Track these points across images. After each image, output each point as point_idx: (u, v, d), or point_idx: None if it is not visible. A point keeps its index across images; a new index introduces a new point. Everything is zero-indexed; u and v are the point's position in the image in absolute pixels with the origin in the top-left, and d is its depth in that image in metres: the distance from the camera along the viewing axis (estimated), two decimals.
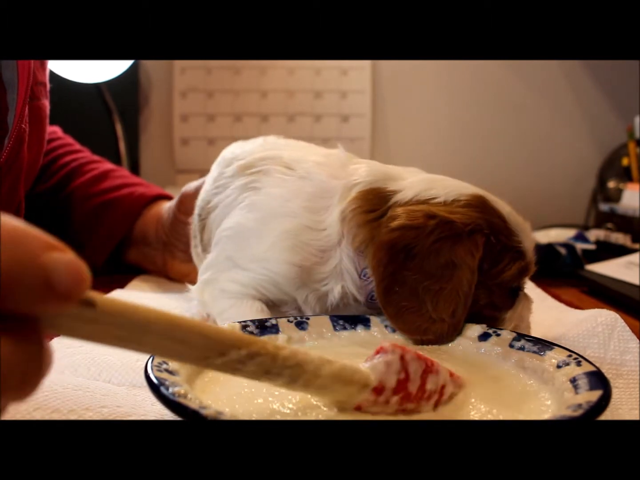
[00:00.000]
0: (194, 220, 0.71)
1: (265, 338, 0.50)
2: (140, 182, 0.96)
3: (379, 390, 0.38)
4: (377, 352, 0.39)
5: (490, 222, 0.53)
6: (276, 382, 0.35)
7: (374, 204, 0.55)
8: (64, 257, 0.23)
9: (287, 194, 0.58)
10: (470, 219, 0.52)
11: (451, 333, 0.51)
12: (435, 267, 0.51)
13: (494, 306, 0.54)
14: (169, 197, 0.93)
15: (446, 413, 0.40)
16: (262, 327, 0.51)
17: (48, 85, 0.79)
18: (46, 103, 0.77)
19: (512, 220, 0.55)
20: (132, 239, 0.91)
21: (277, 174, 0.60)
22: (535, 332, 0.54)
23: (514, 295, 0.55)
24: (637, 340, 0.52)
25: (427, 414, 0.40)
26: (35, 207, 0.79)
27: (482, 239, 0.52)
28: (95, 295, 0.27)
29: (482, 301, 0.53)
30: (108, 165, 0.97)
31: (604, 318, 0.55)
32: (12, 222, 0.23)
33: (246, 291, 0.58)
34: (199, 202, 0.70)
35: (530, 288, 0.78)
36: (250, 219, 0.59)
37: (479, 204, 0.54)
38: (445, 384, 0.41)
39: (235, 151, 0.68)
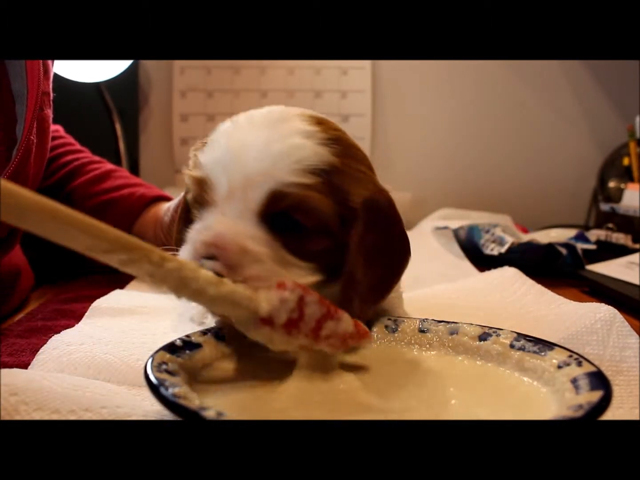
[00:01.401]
0: None
1: None
2: (140, 182, 0.96)
3: (266, 321, 0.39)
4: (278, 286, 0.40)
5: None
6: (162, 287, 0.37)
7: None
8: None
9: None
10: None
11: None
12: None
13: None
14: (168, 199, 0.93)
15: (447, 414, 0.40)
16: None
17: (51, 95, 0.79)
18: (49, 113, 0.77)
19: (214, 133, 0.53)
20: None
21: None
22: (534, 330, 0.54)
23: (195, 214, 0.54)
24: (637, 336, 0.52)
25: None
26: None
27: None
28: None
29: None
30: (109, 166, 0.97)
31: (603, 314, 0.55)
32: None
33: None
34: None
35: (529, 285, 0.78)
36: None
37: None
38: (346, 333, 0.42)
39: None
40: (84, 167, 0.95)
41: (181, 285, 0.37)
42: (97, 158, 0.99)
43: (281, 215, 0.47)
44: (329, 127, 0.50)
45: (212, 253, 0.46)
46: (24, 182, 0.71)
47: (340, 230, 0.49)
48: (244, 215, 0.47)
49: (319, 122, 0.50)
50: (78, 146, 1.00)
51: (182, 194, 0.83)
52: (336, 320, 0.42)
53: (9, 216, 0.32)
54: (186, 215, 0.56)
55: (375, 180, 0.52)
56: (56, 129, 0.99)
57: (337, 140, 0.49)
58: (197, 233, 0.48)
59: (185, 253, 0.48)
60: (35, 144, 0.71)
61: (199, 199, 0.51)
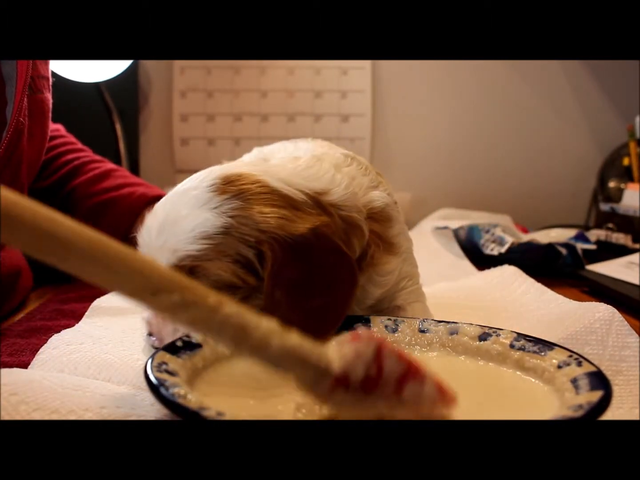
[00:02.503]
0: None
1: None
2: (141, 182, 0.96)
3: (341, 381, 0.33)
4: (353, 339, 0.34)
5: None
6: (217, 340, 0.32)
7: None
8: None
9: None
10: None
11: None
12: None
13: None
14: None
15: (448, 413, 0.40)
16: None
17: (51, 79, 0.79)
18: (48, 96, 0.77)
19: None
20: (130, 239, 0.91)
21: None
22: (534, 330, 0.54)
23: None
24: (636, 335, 0.52)
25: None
26: None
27: None
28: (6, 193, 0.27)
29: None
30: (109, 165, 0.97)
31: (602, 313, 0.55)
32: None
33: None
34: None
35: (529, 284, 0.78)
36: None
37: None
38: (431, 399, 0.35)
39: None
40: (85, 166, 0.95)
41: (240, 336, 0.31)
42: (98, 157, 0.99)
43: None
44: (235, 185, 0.51)
45: (149, 330, 0.54)
46: (16, 164, 0.71)
47: (250, 279, 0.50)
48: None
49: (226, 182, 0.51)
50: (79, 145, 1.00)
51: None
52: (420, 380, 0.35)
53: (48, 257, 0.29)
54: None
55: (295, 216, 0.50)
56: (57, 128, 0.99)
57: (237, 196, 0.50)
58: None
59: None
60: (30, 126, 0.71)
61: None
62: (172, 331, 0.51)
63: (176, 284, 0.30)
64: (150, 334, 0.54)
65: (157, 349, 0.44)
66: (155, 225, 0.52)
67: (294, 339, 0.33)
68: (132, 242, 0.90)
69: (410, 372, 0.35)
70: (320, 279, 0.49)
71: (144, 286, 0.30)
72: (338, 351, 0.34)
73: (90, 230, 0.29)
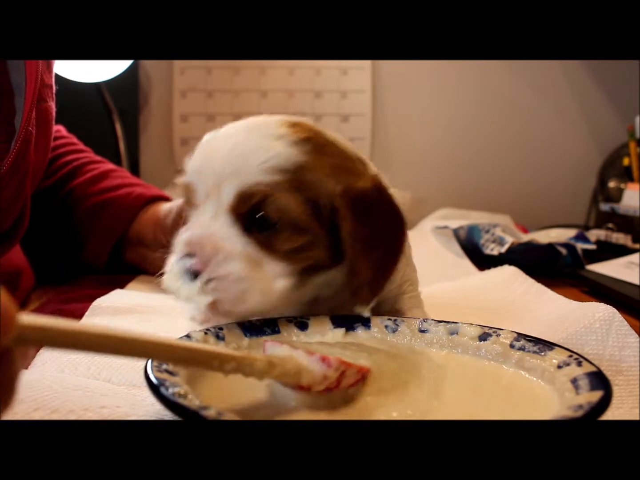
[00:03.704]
0: None
1: (264, 338, 0.50)
2: (138, 182, 0.96)
3: (304, 389, 0.41)
4: (323, 360, 0.41)
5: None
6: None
7: None
8: None
9: None
10: None
11: None
12: None
13: None
14: (167, 199, 0.93)
15: (448, 412, 0.40)
16: (259, 327, 0.51)
17: (54, 88, 0.79)
18: (52, 105, 0.77)
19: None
20: (129, 239, 0.91)
21: None
22: (534, 330, 0.54)
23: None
24: (636, 335, 0.52)
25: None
26: (36, 205, 0.80)
27: None
28: (30, 322, 0.29)
29: None
30: (109, 166, 0.97)
31: (602, 313, 0.55)
32: None
33: None
34: None
35: (529, 284, 0.78)
36: None
37: None
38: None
39: None
40: (84, 167, 0.95)
41: (247, 373, 0.40)
42: (98, 158, 0.99)
43: (251, 213, 0.50)
44: (303, 129, 0.52)
45: (189, 251, 0.50)
46: (23, 173, 0.71)
47: (315, 226, 0.50)
48: (218, 216, 0.51)
49: (294, 125, 0.52)
50: (80, 146, 1.00)
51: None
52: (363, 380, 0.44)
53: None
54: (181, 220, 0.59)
55: (358, 171, 0.53)
56: (58, 129, 0.99)
57: (309, 139, 0.51)
58: (181, 234, 0.52)
59: (173, 254, 0.53)
60: (36, 136, 0.71)
61: (188, 203, 0.55)
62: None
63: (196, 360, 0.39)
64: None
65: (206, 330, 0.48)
66: (222, 153, 0.51)
67: (278, 370, 0.40)
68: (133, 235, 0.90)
69: (360, 379, 0.43)
70: (382, 232, 0.52)
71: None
72: (312, 367, 0.41)
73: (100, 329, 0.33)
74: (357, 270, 0.50)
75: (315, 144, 0.51)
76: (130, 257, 0.93)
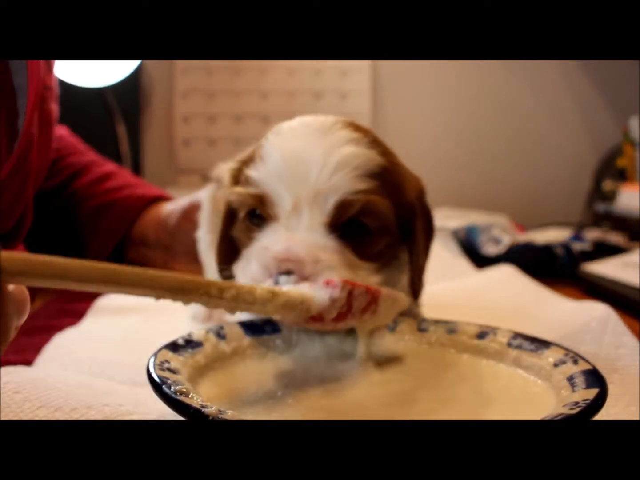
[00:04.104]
0: (203, 222, 0.71)
1: (265, 337, 0.50)
2: (140, 183, 0.97)
3: (317, 318, 0.41)
4: (327, 283, 0.41)
5: (242, 160, 0.54)
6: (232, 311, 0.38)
7: None
8: None
9: None
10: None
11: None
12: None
13: (243, 243, 0.53)
14: (168, 199, 0.94)
15: (446, 412, 0.41)
16: (259, 326, 0.51)
17: (56, 89, 0.79)
18: (54, 107, 0.78)
19: (263, 149, 0.52)
20: (131, 239, 0.92)
21: None
22: (531, 329, 0.55)
23: (252, 230, 0.52)
24: (631, 334, 0.53)
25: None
26: (39, 205, 0.80)
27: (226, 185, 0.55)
28: (12, 255, 0.30)
29: (238, 239, 0.54)
30: (111, 167, 0.98)
31: (598, 312, 0.55)
32: None
33: None
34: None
35: (526, 283, 0.78)
36: None
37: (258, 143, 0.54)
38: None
39: None
40: (87, 168, 0.95)
41: (239, 308, 0.38)
42: (100, 159, 1.00)
43: (349, 222, 0.49)
44: (366, 131, 0.52)
45: (287, 268, 0.46)
46: (25, 174, 0.71)
47: (396, 227, 0.51)
48: (312, 227, 0.48)
49: (356, 127, 0.52)
50: (82, 147, 1.01)
51: (191, 201, 0.84)
52: (378, 304, 0.44)
53: (59, 283, 0.32)
54: (227, 235, 0.55)
55: (411, 172, 0.55)
56: (62, 130, 0.99)
57: (376, 142, 0.51)
58: (265, 250, 0.47)
59: (252, 271, 0.48)
60: (37, 137, 0.71)
61: (255, 216, 0.51)
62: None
63: (177, 288, 0.35)
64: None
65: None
66: (312, 162, 0.48)
67: (282, 298, 0.40)
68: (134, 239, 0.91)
69: (372, 299, 0.43)
70: (431, 228, 0.56)
71: (149, 294, 0.35)
72: (317, 294, 0.41)
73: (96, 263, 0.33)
74: (420, 265, 0.53)
75: (380, 145, 0.52)
76: (132, 257, 0.93)
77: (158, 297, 0.35)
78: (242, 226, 0.52)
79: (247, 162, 0.51)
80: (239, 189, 0.51)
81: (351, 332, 0.53)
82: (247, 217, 0.51)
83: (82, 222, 0.92)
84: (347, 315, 0.41)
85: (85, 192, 0.92)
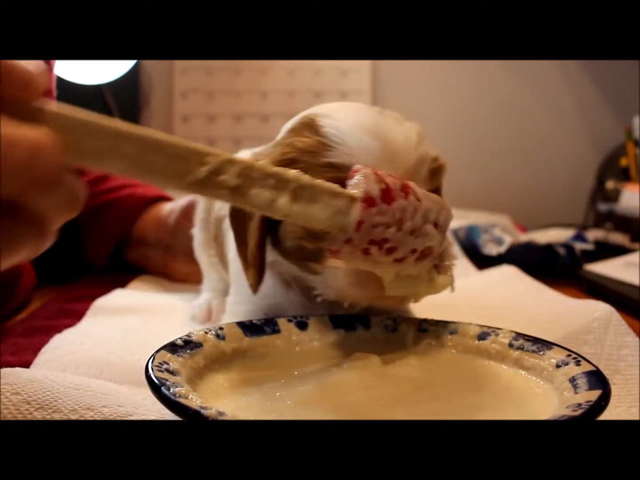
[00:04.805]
0: (197, 220, 0.71)
1: (265, 338, 0.50)
2: (140, 182, 0.97)
3: (368, 200, 0.40)
4: (351, 176, 0.41)
5: (292, 147, 0.51)
6: (263, 197, 0.33)
7: None
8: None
9: None
10: (260, 157, 0.51)
11: (253, 276, 0.52)
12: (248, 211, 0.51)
13: (312, 237, 0.49)
14: (168, 199, 0.94)
15: (448, 412, 0.40)
16: (259, 327, 0.51)
17: (54, 92, 0.79)
18: None
19: (334, 133, 0.50)
20: (131, 239, 0.92)
21: None
22: (533, 329, 0.54)
23: None
24: (634, 334, 0.53)
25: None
26: None
27: None
28: (61, 106, 0.29)
29: (294, 234, 0.50)
30: None
31: (600, 313, 0.55)
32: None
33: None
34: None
35: (528, 283, 0.78)
36: None
37: (296, 130, 0.52)
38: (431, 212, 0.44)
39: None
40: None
41: (281, 182, 0.34)
42: None
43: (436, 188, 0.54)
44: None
45: None
46: None
47: None
48: None
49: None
50: None
51: (190, 199, 0.84)
52: (412, 188, 0.44)
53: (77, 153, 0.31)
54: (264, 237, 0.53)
55: None
56: None
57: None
58: None
59: None
60: None
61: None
62: None
63: (216, 150, 0.33)
64: None
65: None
66: (394, 139, 0.51)
67: (316, 180, 0.37)
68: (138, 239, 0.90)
69: (404, 184, 0.43)
70: None
71: (193, 159, 0.31)
72: (349, 187, 0.40)
73: (130, 125, 0.32)
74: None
75: None
76: (132, 257, 0.93)
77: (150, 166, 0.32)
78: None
79: (298, 152, 0.50)
80: (325, 176, 0.48)
81: (350, 332, 0.53)
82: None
83: (81, 221, 0.92)
84: (390, 192, 0.41)
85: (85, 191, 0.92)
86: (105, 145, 0.30)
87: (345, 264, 0.45)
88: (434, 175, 0.52)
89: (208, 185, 0.31)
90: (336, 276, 0.51)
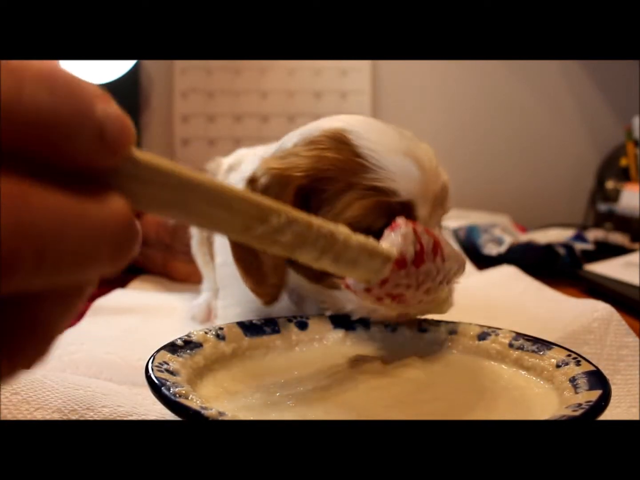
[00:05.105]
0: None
1: (265, 338, 0.50)
2: None
3: (400, 262, 0.40)
4: (392, 229, 0.42)
5: (325, 162, 0.49)
6: (307, 255, 0.33)
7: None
8: (113, 109, 0.22)
9: None
10: (285, 165, 0.50)
11: (273, 294, 0.51)
12: None
13: None
14: None
15: (448, 413, 0.40)
16: (259, 327, 0.51)
17: None
18: None
19: (372, 155, 0.49)
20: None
21: None
22: (532, 329, 0.54)
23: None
24: (634, 335, 0.53)
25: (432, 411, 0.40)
26: None
27: (293, 185, 0.49)
28: (139, 152, 0.26)
29: None
30: None
31: (600, 312, 0.55)
32: (65, 71, 0.21)
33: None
34: None
35: (528, 283, 0.78)
36: None
37: (321, 143, 0.51)
38: (451, 256, 0.45)
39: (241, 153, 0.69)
40: None
41: (330, 243, 0.34)
42: None
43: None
44: None
45: None
46: None
47: None
48: (438, 224, 0.54)
49: None
50: None
51: None
52: (441, 246, 0.44)
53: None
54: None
55: None
56: None
57: None
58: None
59: None
60: None
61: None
62: None
63: (279, 207, 0.31)
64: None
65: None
66: (429, 167, 0.52)
67: (361, 237, 0.36)
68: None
69: (436, 242, 0.44)
70: None
71: (255, 215, 0.29)
72: (388, 241, 0.42)
73: (203, 174, 0.28)
74: None
75: None
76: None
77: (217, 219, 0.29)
78: None
79: (337, 170, 0.49)
80: (370, 199, 0.49)
81: (350, 332, 0.53)
82: (377, 230, 0.47)
83: None
84: (423, 255, 0.42)
85: None
86: (178, 197, 0.27)
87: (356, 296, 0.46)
88: (447, 200, 0.53)
89: (262, 240, 0.30)
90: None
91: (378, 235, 0.48)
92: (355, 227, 0.47)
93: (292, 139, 0.54)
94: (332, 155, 0.49)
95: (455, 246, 1.14)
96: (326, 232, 0.33)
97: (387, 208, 0.48)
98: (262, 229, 0.30)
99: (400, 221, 0.43)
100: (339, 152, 0.50)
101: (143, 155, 0.26)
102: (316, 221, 0.33)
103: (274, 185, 0.49)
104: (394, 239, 0.41)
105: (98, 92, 0.22)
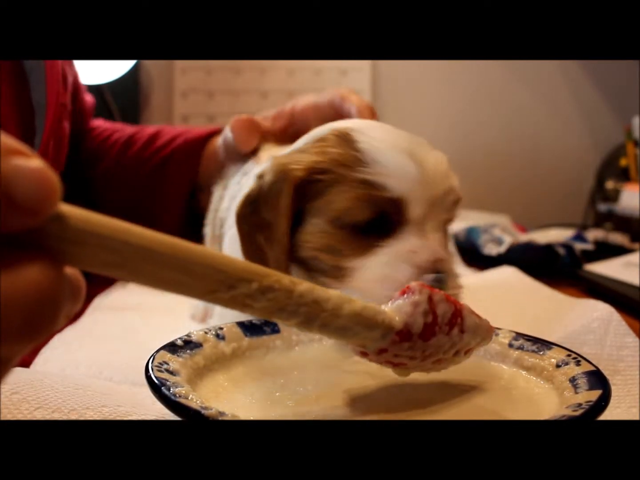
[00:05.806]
0: (209, 216, 0.71)
1: (265, 338, 0.50)
2: (188, 130, 0.95)
3: (403, 335, 0.35)
4: (403, 293, 0.36)
5: (325, 157, 0.50)
6: (290, 321, 0.31)
7: None
8: (27, 164, 0.19)
9: None
10: (288, 161, 0.50)
11: None
12: (267, 216, 0.50)
13: (332, 250, 0.49)
14: (219, 131, 0.91)
15: (447, 413, 0.40)
16: (259, 327, 0.51)
17: (69, 107, 0.78)
18: (66, 125, 0.77)
19: (369, 150, 0.49)
20: (200, 183, 0.88)
21: None
22: (531, 329, 0.54)
23: (366, 238, 0.49)
24: (634, 335, 0.53)
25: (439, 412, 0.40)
26: (104, 186, 0.82)
27: (292, 179, 0.49)
28: (70, 209, 0.23)
29: (311, 244, 0.50)
30: (154, 128, 0.96)
31: (599, 313, 0.55)
32: None
33: None
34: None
35: (527, 283, 0.78)
36: None
37: (327, 140, 0.51)
38: (474, 330, 0.39)
39: None
40: (132, 137, 0.94)
41: (314, 311, 0.31)
42: (140, 127, 0.99)
43: (449, 220, 0.53)
44: None
45: (439, 268, 0.48)
46: None
47: None
48: (438, 228, 0.51)
49: None
50: (120, 126, 1.01)
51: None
52: (463, 316, 0.38)
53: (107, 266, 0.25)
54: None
55: None
56: (96, 122, 1.00)
57: None
58: (414, 254, 0.48)
59: (401, 274, 0.47)
60: (52, 156, 0.71)
61: (396, 217, 0.49)
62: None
63: (252, 272, 0.29)
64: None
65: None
66: (432, 164, 0.51)
67: (359, 303, 0.33)
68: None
69: (456, 311, 0.37)
70: None
71: (222, 281, 0.28)
72: (395, 307, 0.36)
73: (160, 234, 0.26)
74: None
75: None
76: (205, 201, 0.87)
77: (219, 286, 0.28)
78: (342, 234, 0.49)
79: (331, 162, 0.49)
80: (358, 191, 0.48)
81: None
82: (364, 224, 0.49)
83: (142, 186, 0.89)
84: (434, 328, 0.35)
85: (140, 156, 0.90)
86: (119, 260, 0.25)
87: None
88: (454, 206, 0.52)
89: (231, 303, 0.29)
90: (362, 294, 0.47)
91: (366, 231, 0.48)
92: (343, 219, 0.48)
93: (305, 138, 0.55)
94: (332, 150, 0.50)
95: (454, 247, 1.14)
96: (309, 300, 0.31)
97: (375, 202, 0.48)
98: (231, 293, 0.28)
99: (414, 286, 0.36)
100: (339, 147, 0.50)
101: (75, 213, 0.23)
102: (300, 288, 0.30)
103: (276, 180, 0.50)
104: (401, 306, 0.35)
105: (11, 147, 0.19)
